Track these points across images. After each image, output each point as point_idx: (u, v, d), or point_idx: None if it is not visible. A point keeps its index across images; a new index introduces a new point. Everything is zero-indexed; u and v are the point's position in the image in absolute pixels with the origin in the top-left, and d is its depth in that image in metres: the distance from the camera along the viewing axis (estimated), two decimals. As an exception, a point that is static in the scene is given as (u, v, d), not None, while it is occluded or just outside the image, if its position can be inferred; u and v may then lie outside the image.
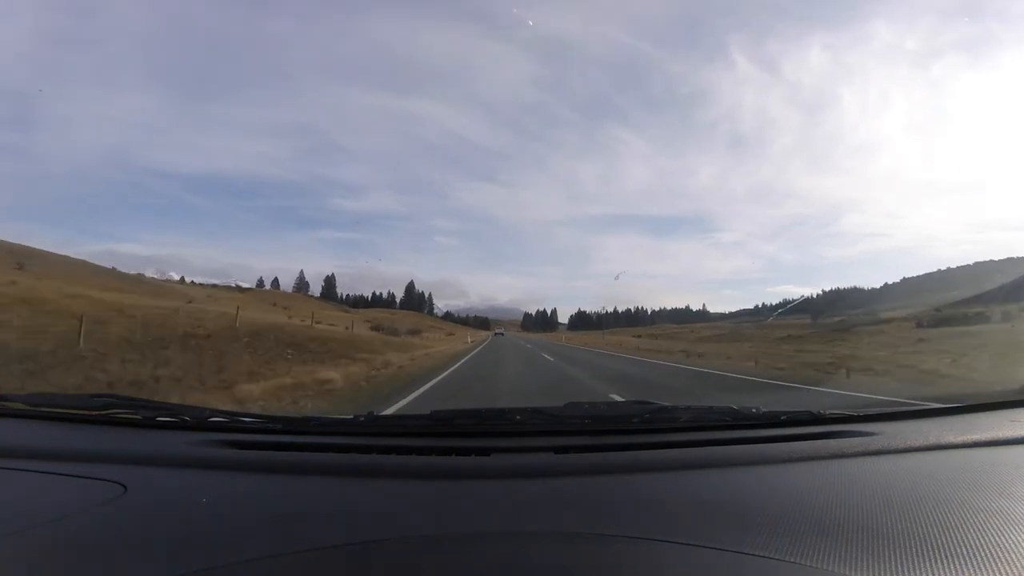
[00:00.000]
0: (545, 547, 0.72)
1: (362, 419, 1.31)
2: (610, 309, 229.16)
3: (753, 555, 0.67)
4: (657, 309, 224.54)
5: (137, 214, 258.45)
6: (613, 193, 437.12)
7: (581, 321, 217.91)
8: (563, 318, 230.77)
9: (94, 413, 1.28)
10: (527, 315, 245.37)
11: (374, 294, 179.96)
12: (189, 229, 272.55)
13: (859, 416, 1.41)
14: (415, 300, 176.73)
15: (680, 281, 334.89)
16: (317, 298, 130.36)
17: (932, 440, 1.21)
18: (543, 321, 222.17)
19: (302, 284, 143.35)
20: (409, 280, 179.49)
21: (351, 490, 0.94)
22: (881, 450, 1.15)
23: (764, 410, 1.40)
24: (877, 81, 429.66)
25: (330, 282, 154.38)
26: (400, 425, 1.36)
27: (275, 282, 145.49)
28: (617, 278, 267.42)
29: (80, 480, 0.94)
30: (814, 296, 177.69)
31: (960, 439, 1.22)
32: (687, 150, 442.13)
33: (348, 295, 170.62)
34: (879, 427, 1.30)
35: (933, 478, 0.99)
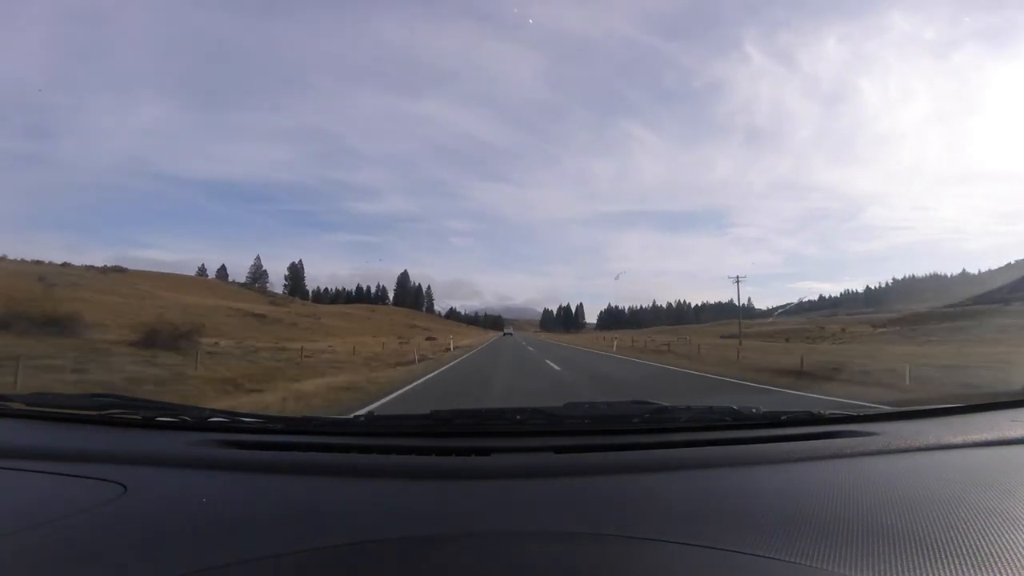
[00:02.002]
0: (545, 547, 0.72)
1: (362, 419, 1.33)
2: (647, 304, 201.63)
3: (753, 555, 0.67)
4: (700, 304, 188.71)
5: (156, 221, 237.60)
6: (629, 190, 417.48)
7: (612, 318, 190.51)
8: (590, 316, 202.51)
9: (94, 413, 1.28)
10: (547, 313, 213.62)
11: (359, 287, 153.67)
12: (208, 234, 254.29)
13: (859, 416, 1.41)
14: (409, 295, 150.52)
15: (699, 277, 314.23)
16: (272, 291, 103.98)
17: (932, 440, 1.20)
18: (566, 319, 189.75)
19: (258, 274, 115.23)
20: (409, 276, 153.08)
21: (351, 490, 0.94)
22: (881, 450, 1.15)
23: (764, 410, 1.40)
24: (897, 71, 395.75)
25: (296, 272, 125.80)
26: (400, 425, 1.34)
27: (221, 270, 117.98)
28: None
29: (80, 480, 0.94)
30: (879, 287, 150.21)
31: (960, 439, 1.21)
32: (704, 145, 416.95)
33: (329, 289, 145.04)
34: (879, 427, 1.30)
35: (933, 478, 0.99)
